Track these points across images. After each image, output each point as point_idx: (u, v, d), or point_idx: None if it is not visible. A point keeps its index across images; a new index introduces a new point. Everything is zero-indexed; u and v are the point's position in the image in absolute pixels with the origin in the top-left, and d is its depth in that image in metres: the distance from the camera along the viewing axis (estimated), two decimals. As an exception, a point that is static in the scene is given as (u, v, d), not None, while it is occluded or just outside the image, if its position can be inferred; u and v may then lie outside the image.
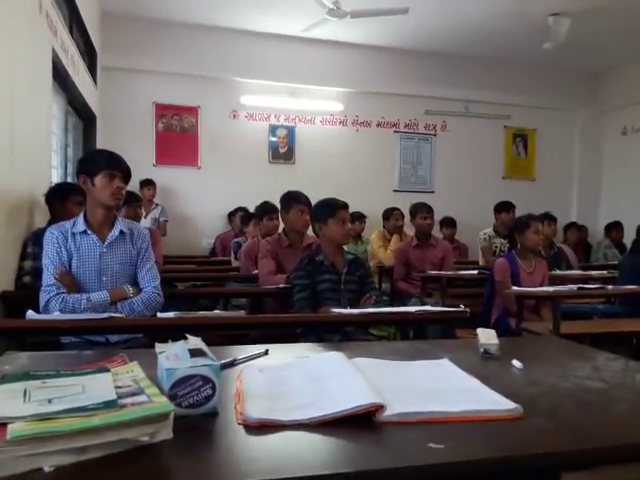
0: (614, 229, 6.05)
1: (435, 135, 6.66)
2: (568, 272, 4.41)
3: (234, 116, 6.06)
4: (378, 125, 6.50)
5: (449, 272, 3.95)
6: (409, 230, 4.84)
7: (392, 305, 3.92)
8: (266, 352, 1.32)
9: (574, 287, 3.10)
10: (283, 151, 6.20)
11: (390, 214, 5.28)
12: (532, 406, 0.94)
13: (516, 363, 1.24)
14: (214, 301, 3.73)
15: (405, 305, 3.75)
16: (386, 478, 0.73)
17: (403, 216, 5.20)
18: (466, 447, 0.77)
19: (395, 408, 0.88)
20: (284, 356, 1.30)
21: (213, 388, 0.89)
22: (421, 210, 4.19)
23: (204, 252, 5.82)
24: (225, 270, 4.34)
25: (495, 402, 0.92)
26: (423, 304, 3.79)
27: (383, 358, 1.26)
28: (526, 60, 6.50)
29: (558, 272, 4.23)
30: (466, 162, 6.69)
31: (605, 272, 4.29)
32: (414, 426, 0.85)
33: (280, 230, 3.38)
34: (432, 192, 6.54)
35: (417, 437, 0.81)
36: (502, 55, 6.40)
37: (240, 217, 5.00)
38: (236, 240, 4.70)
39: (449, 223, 5.83)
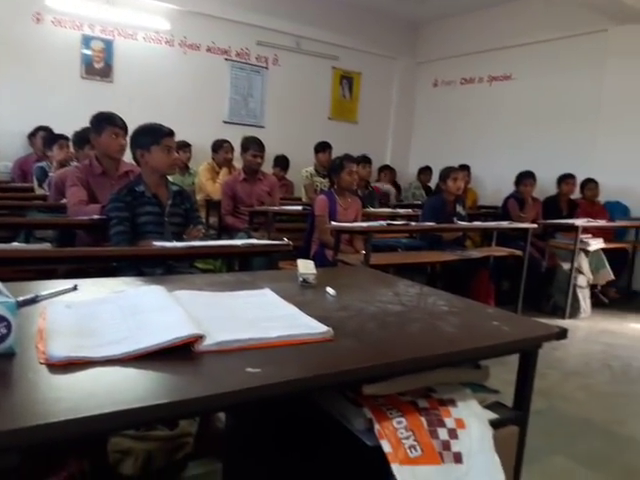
0: (423, 173, 6.77)
1: (267, 68, 6.55)
2: (379, 210, 4.84)
3: (37, 19, 5.17)
4: (208, 50, 6.14)
5: (275, 207, 4.04)
6: (239, 163, 4.78)
7: (219, 239, 3.91)
8: (75, 287, 1.22)
9: (384, 223, 3.42)
10: (99, 67, 5.53)
11: (220, 146, 5.14)
12: (341, 328, 1.03)
13: (330, 290, 1.34)
14: (14, 233, 3.28)
15: (233, 239, 3.77)
16: (203, 405, 0.74)
17: (233, 149, 5.11)
18: (281, 369, 0.82)
19: (214, 337, 0.88)
20: (97, 291, 1.22)
21: (8, 327, 0.79)
22: (253, 147, 4.13)
23: (1, 177, 5.04)
24: (27, 198, 3.82)
25: (309, 326, 0.98)
26: (250, 238, 3.86)
27: (206, 290, 1.25)
28: (355, 2, 6.66)
29: (371, 209, 4.62)
30: (296, 99, 6.75)
31: (410, 210, 4.81)
32: (233, 354, 0.87)
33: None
34: (262, 127, 6.51)
35: (235, 364, 0.83)
36: (334, -7, 6.46)
37: (42, 138, 4.39)
38: (39, 165, 4.14)
39: (282, 164, 5.90)
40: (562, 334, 1.13)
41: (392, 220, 3.75)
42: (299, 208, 4.07)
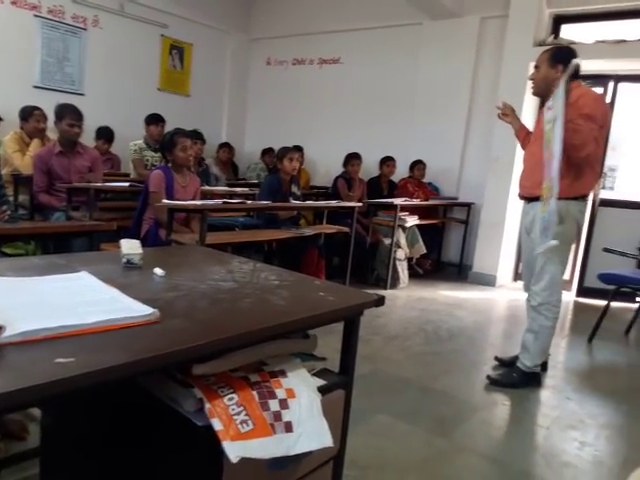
0: (267, 154, 6.74)
1: (86, 30, 5.91)
2: (216, 188, 4.76)
3: None
4: (13, 3, 5.33)
5: (98, 184, 3.71)
6: (53, 134, 4.27)
7: (32, 220, 3.50)
8: None
9: (220, 201, 3.37)
10: None
11: (30, 114, 4.52)
12: (170, 309, 0.98)
13: (158, 271, 1.27)
14: None
15: (48, 220, 3.38)
16: (1, 403, 0.64)
17: (46, 117, 4.54)
18: (98, 357, 0.75)
19: (18, 327, 0.78)
20: None
21: None
22: (69, 115, 3.68)
23: None
24: None
25: (132, 309, 0.92)
26: (68, 218, 3.50)
27: (8, 276, 1.10)
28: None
29: (207, 187, 4.51)
30: (121, 67, 6.23)
31: (247, 189, 4.81)
32: (41, 344, 0.78)
33: None
34: (82, 94, 5.89)
35: (44, 355, 0.74)
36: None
37: None
38: None
39: (106, 136, 5.40)
40: (380, 301, 1.23)
41: (230, 199, 3.71)
42: (126, 185, 3.79)
